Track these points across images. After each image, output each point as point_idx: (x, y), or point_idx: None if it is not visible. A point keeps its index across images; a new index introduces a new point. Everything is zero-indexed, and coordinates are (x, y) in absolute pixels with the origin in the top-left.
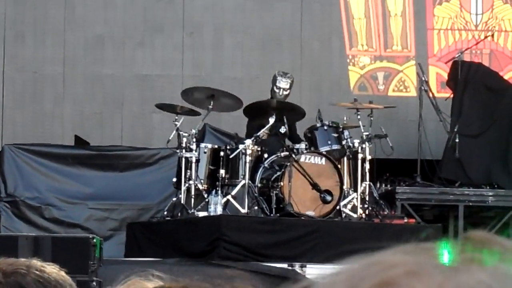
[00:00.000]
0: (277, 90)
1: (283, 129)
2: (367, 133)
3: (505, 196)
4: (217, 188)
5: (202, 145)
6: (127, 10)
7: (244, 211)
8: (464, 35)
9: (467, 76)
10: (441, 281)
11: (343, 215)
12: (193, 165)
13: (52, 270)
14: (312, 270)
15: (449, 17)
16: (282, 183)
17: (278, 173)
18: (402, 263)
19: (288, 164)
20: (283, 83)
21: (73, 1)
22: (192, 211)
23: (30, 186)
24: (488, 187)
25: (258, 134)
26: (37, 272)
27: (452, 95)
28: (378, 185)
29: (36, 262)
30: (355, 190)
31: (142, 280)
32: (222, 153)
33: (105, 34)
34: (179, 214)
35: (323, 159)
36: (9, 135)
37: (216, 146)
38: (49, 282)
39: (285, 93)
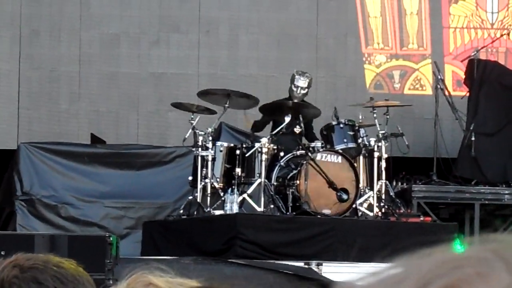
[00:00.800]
0: (294, 89)
1: (298, 129)
2: (383, 132)
3: None
4: (233, 187)
5: (218, 143)
6: (143, 8)
7: (260, 209)
8: (480, 34)
9: (483, 75)
10: (507, 284)
11: (359, 213)
12: (209, 163)
13: (70, 266)
14: (329, 269)
15: (465, 15)
16: (298, 182)
17: (294, 171)
18: (471, 263)
19: (304, 162)
20: (301, 81)
21: None
22: (208, 209)
23: (46, 184)
24: (504, 185)
25: (273, 132)
26: (55, 268)
27: (468, 94)
28: (394, 183)
29: (54, 258)
30: (371, 189)
31: (147, 274)
32: (238, 152)
33: (121, 32)
34: (195, 213)
35: (339, 157)
36: (25, 133)
37: (232, 145)
38: (66, 278)
39: (303, 92)
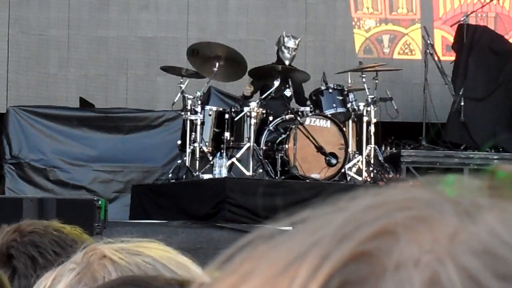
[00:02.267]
0: (285, 50)
1: (288, 92)
2: (372, 96)
3: (511, 159)
4: (222, 151)
5: (207, 107)
6: None
7: (249, 173)
8: None
9: (473, 40)
10: (454, 231)
11: (348, 178)
12: (198, 127)
13: (72, 231)
14: None
15: None
16: (287, 146)
17: (283, 135)
18: (412, 205)
19: (293, 127)
20: (291, 42)
21: None
22: (197, 173)
23: (35, 148)
24: (493, 150)
25: (263, 97)
26: (55, 232)
27: (455, 58)
28: (383, 148)
29: (56, 223)
30: (360, 153)
31: (100, 246)
32: (227, 116)
33: None
34: (184, 177)
35: (328, 122)
36: (14, 97)
37: (221, 109)
38: (65, 242)
39: (293, 53)
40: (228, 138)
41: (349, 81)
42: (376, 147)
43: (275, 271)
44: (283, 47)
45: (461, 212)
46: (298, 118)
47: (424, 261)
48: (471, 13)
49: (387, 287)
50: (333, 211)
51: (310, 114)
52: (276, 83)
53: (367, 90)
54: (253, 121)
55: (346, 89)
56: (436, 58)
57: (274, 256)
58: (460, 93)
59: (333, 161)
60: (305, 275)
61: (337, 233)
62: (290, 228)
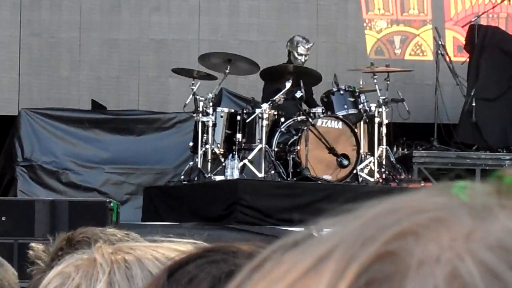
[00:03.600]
0: (298, 57)
1: (299, 94)
2: (384, 97)
3: None
4: (234, 152)
5: (219, 109)
6: None
7: (260, 175)
8: None
9: (484, 40)
10: (470, 230)
11: (360, 179)
12: (210, 129)
13: (123, 237)
14: None
15: None
16: (298, 147)
17: (295, 137)
18: (428, 208)
19: (305, 128)
20: (304, 49)
21: None
22: (209, 175)
23: (47, 150)
24: (505, 151)
25: (274, 98)
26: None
27: (468, 59)
28: (394, 149)
29: (110, 229)
30: (372, 154)
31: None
32: (238, 117)
33: None
34: (196, 178)
35: (340, 123)
36: (26, 100)
37: (232, 110)
38: None
39: (305, 59)
40: (240, 140)
41: (361, 82)
42: (388, 148)
43: (302, 272)
44: (296, 53)
45: (474, 214)
46: (310, 120)
47: (445, 258)
48: (482, 13)
49: (411, 282)
50: (357, 217)
51: (321, 115)
52: (288, 84)
53: (378, 91)
54: (265, 122)
55: (357, 90)
56: (447, 59)
57: (301, 259)
58: (472, 93)
59: (345, 162)
60: (334, 275)
61: (361, 235)
62: (316, 231)
